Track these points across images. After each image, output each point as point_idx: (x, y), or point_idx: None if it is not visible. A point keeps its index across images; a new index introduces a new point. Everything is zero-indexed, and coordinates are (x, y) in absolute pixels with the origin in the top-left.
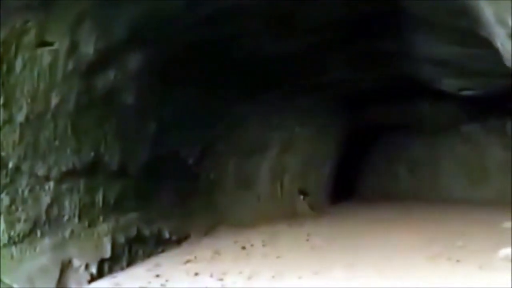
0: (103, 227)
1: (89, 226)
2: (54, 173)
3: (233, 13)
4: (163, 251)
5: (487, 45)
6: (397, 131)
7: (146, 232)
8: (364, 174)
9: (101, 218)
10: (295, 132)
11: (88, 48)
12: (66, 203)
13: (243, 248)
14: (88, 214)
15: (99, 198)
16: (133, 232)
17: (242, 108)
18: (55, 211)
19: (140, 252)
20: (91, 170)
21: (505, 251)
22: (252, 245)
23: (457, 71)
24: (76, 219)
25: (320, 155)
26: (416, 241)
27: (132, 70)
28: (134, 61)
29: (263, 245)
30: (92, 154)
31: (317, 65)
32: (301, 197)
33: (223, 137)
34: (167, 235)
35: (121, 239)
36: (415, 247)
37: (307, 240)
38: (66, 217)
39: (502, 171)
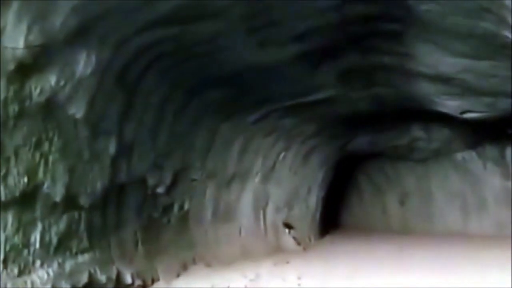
0: (40, 275)
1: (19, 274)
2: None
3: (201, 10)
4: None
5: (502, 55)
6: (387, 158)
7: (101, 277)
8: (350, 204)
9: (37, 263)
10: (280, 158)
11: (17, 42)
12: None
13: None
14: (18, 259)
15: (36, 237)
16: (82, 278)
17: (221, 129)
18: None
19: None
20: (24, 201)
21: None
22: None
23: (460, 90)
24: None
25: (307, 183)
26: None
27: (81, 73)
28: (83, 61)
29: None
30: (25, 180)
31: (304, 82)
32: (286, 230)
33: (199, 161)
34: (128, 280)
35: None
36: None
37: (299, 284)
38: None
39: (501, 202)
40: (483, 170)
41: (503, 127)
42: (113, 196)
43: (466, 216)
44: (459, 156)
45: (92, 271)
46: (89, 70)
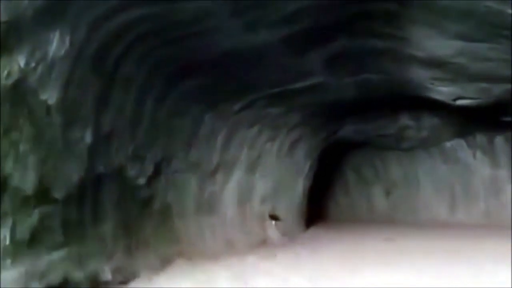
0: (10, 275)
1: None
2: None
3: None
4: None
5: (501, 36)
6: (374, 148)
7: (78, 275)
8: (336, 194)
9: (7, 262)
10: (265, 148)
11: None
12: None
13: None
14: None
15: (5, 233)
16: (57, 276)
17: (204, 118)
18: None
19: None
20: None
21: None
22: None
23: (454, 75)
24: None
25: (292, 174)
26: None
27: (53, 55)
28: (55, 42)
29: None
30: None
31: (291, 68)
32: (272, 222)
33: (181, 152)
34: (108, 277)
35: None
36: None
37: (286, 279)
38: None
39: (489, 191)
40: (472, 159)
41: (494, 115)
42: (90, 189)
43: (454, 206)
44: (448, 145)
45: (68, 268)
46: (62, 52)
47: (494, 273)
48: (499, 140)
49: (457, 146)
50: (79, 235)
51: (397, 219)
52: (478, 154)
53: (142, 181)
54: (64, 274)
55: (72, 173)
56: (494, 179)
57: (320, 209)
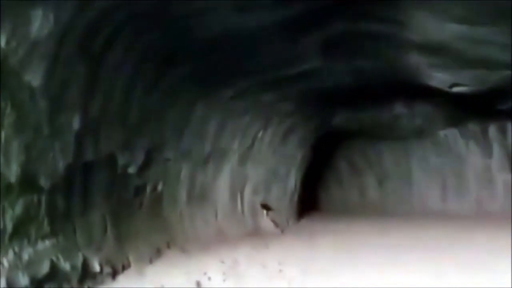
0: None
1: None
2: None
3: None
4: None
5: (503, 19)
6: (367, 138)
7: (65, 266)
8: (328, 185)
9: None
10: (258, 137)
11: None
12: None
13: (198, 284)
14: None
15: None
16: (43, 268)
17: (196, 106)
18: None
19: None
20: None
21: None
22: (209, 279)
23: (452, 61)
24: None
25: (286, 163)
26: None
27: (37, 34)
28: (39, 21)
29: (224, 279)
30: None
31: (286, 53)
32: (264, 212)
33: (173, 140)
34: (96, 268)
35: (24, 280)
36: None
37: (280, 270)
38: None
39: (482, 181)
40: (465, 149)
41: (489, 103)
42: (78, 177)
43: (446, 196)
44: (441, 134)
45: (54, 259)
46: (46, 32)
47: (486, 263)
48: (493, 129)
49: (450, 135)
50: (66, 225)
51: (390, 209)
52: (471, 143)
53: (132, 169)
54: (51, 265)
55: (59, 160)
56: (486, 169)
57: (312, 199)
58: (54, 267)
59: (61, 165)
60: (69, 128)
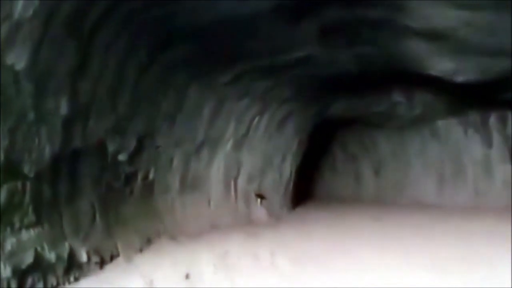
0: None
1: None
2: None
3: None
4: (76, 279)
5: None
6: (364, 126)
7: (50, 256)
8: (323, 173)
9: None
10: (253, 123)
11: None
12: None
13: (187, 277)
14: None
15: None
16: (27, 258)
17: (189, 91)
18: None
19: (40, 285)
20: None
21: None
22: (199, 270)
23: (455, 49)
24: None
25: (281, 151)
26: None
27: (20, 13)
28: (22, 0)
29: (214, 272)
30: None
31: (283, 39)
32: (258, 201)
33: (165, 126)
34: (83, 258)
35: (5, 271)
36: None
37: (272, 262)
38: None
39: (481, 171)
40: (464, 139)
41: (490, 93)
42: (65, 164)
43: (443, 187)
44: (439, 123)
45: (39, 248)
46: (31, 11)
47: (484, 255)
48: (493, 119)
49: (449, 124)
50: (52, 213)
51: (385, 199)
52: (470, 132)
53: (123, 157)
54: (35, 255)
55: (45, 147)
56: (486, 159)
57: (308, 187)
58: (38, 257)
59: (47, 151)
60: (56, 113)
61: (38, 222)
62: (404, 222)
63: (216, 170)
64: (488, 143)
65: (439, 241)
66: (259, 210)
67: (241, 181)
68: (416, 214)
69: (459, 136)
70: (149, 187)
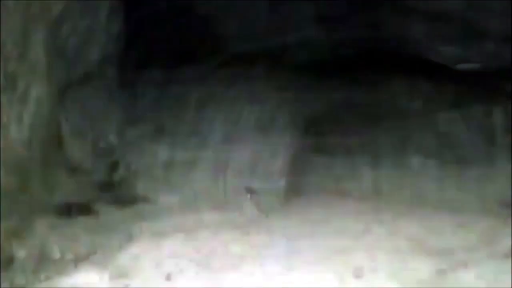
0: None
1: None
2: None
3: None
4: (47, 278)
5: None
6: (362, 117)
7: (20, 253)
8: (317, 166)
9: None
10: (243, 115)
11: None
12: None
13: (168, 278)
14: None
15: None
16: None
17: (176, 77)
18: None
19: (7, 284)
20: None
21: None
22: (181, 271)
23: (461, 34)
24: None
25: (273, 143)
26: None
27: None
28: None
29: (197, 272)
30: None
31: (278, 20)
32: (248, 196)
33: (150, 115)
34: (56, 254)
35: None
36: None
37: (261, 264)
38: None
39: (482, 166)
40: (465, 132)
41: (494, 84)
42: (37, 150)
43: (444, 182)
44: (439, 116)
45: (6, 245)
46: None
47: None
48: (496, 112)
49: (449, 117)
50: (23, 207)
51: (383, 195)
52: (473, 127)
53: (103, 145)
54: (4, 251)
55: (15, 130)
56: (488, 156)
57: (300, 182)
58: (8, 254)
59: (17, 136)
60: (29, 97)
61: (5, 216)
62: (404, 221)
63: (204, 163)
64: (490, 139)
65: (439, 239)
66: (248, 206)
67: (230, 175)
68: (416, 211)
69: (461, 131)
70: (131, 179)
